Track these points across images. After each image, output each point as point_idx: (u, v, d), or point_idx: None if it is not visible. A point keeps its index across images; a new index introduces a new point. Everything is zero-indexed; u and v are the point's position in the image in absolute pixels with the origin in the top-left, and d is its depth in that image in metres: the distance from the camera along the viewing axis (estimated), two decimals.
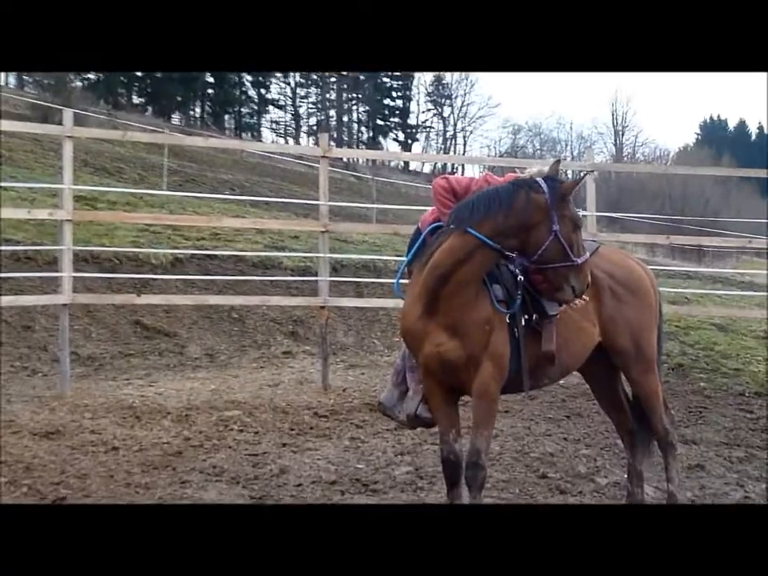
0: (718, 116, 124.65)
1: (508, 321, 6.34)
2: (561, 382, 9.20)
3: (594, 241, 7.48)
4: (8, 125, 12.82)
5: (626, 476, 7.58)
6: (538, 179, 6.13)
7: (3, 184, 17.48)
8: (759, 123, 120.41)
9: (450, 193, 6.56)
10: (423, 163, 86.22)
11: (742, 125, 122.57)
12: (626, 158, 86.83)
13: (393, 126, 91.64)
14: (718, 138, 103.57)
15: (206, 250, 17.21)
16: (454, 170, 64.12)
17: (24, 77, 58.90)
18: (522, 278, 6.38)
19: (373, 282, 16.65)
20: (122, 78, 65.26)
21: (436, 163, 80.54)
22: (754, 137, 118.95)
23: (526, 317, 6.44)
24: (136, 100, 68.75)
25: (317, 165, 13.60)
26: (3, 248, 13.72)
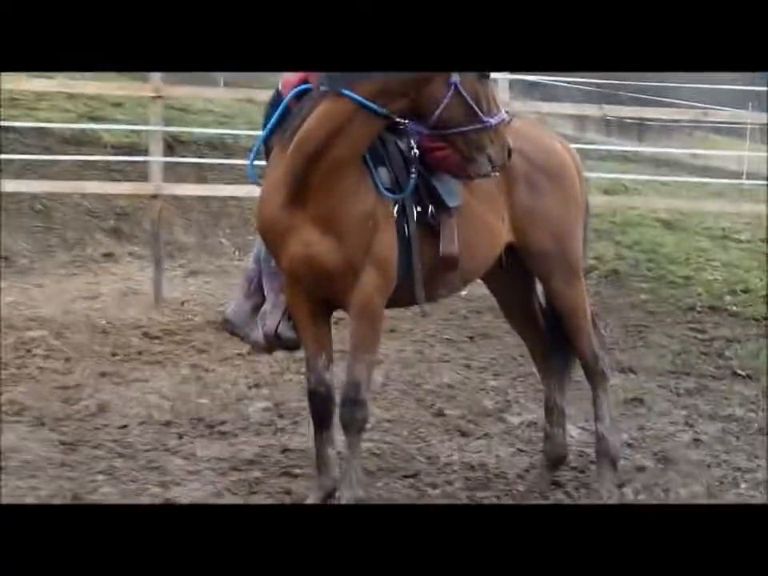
0: None
1: (396, 215, 6.23)
2: (462, 292, 9.23)
3: (505, 112, 7.40)
4: None
5: (543, 413, 7.62)
6: None
7: None
8: None
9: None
10: None
11: None
12: None
13: None
14: None
15: (2, 120, 16.80)
16: None
17: None
18: (416, 154, 6.30)
19: (220, 164, 16.55)
20: None
21: None
22: None
23: (419, 209, 6.33)
24: None
25: None
26: None
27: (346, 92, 5.87)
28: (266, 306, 6.97)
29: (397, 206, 6.25)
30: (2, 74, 11.56)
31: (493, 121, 5.99)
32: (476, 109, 5.94)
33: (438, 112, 5.91)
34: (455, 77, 5.90)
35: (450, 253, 6.39)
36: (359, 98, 5.84)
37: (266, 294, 7.05)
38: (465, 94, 5.91)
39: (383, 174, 6.20)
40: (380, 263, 6.14)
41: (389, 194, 6.15)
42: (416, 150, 6.27)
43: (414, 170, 6.22)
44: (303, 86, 6.37)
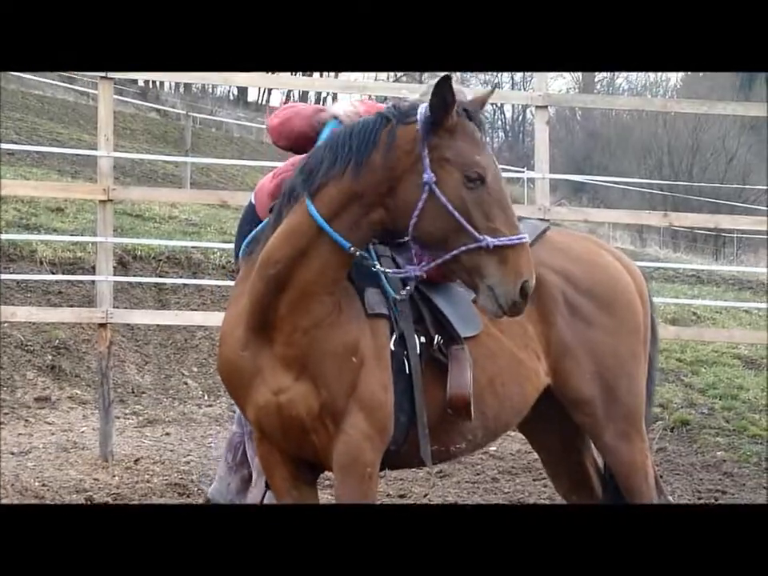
0: None
1: (394, 347, 6.16)
2: (492, 448, 9.23)
3: (542, 220, 7.34)
4: None
5: None
6: (418, 105, 5.85)
7: None
8: None
9: (288, 138, 6.51)
10: (268, 90, 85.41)
11: None
12: (599, 88, 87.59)
13: None
14: None
15: None
16: (319, 101, 63.91)
17: None
18: (416, 274, 6.06)
19: (185, 285, 16.63)
20: None
21: (290, 91, 79.85)
22: None
23: (423, 339, 6.28)
24: None
25: (94, 91, 13.58)
26: None
27: (309, 204, 5.79)
28: (255, 477, 6.98)
29: (395, 336, 6.16)
30: None
31: (490, 240, 5.61)
32: (461, 221, 5.63)
33: (412, 222, 5.69)
34: (428, 174, 5.65)
35: (459, 392, 6.23)
36: (322, 223, 5.75)
37: (250, 462, 7.08)
38: (443, 199, 5.64)
39: (372, 295, 6.16)
40: (369, 407, 6.03)
41: (382, 312, 6.12)
42: (416, 270, 6.02)
43: (409, 287, 6.10)
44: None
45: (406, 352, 6.17)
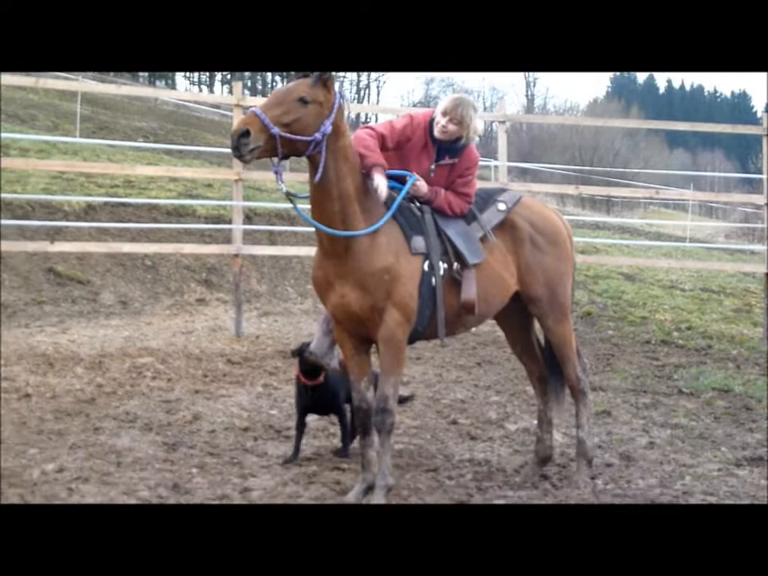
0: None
1: (427, 269, 6.19)
2: (472, 329, 9.18)
3: (515, 192, 7.31)
4: None
5: (535, 422, 7.62)
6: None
7: None
8: (668, 78, 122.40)
9: (375, 138, 6.38)
10: None
11: (650, 78, 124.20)
12: (537, 110, 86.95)
13: (306, 74, 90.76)
14: (628, 91, 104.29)
15: (120, 197, 17.01)
16: (368, 120, 63.69)
17: None
18: (437, 225, 6.35)
19: (286, 230, 16.59)
20: None
21: (349, 112, 79.71)
22: (662, 90, 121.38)
23: (445, 266, 6.30)
24: None
25: (231, 113, 13.47)
26: None
27: None
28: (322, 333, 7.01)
29: (426, 263, 6.19)
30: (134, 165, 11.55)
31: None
32: None
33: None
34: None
35: (469, 300, 6.34)
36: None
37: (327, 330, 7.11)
38: None
39: (418, 241, 6.20)
40: (401, 306, 6.05)
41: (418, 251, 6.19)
42: (438, 226, 6.38)
43: (440, 240, 6.32)
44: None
45: (433, 273, 6.20)
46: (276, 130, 5.52)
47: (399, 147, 6.41)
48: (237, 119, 12.39)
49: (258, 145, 5.53)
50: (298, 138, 5.66)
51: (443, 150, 6.48)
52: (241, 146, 5.49)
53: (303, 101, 5.66)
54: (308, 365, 7.13)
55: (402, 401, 7.96)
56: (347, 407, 7.30)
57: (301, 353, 7.19)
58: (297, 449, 7.22)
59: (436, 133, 6.39)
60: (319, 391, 7.18)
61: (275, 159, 5.74)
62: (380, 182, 6.00)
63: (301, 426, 7.28)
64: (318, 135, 5.74)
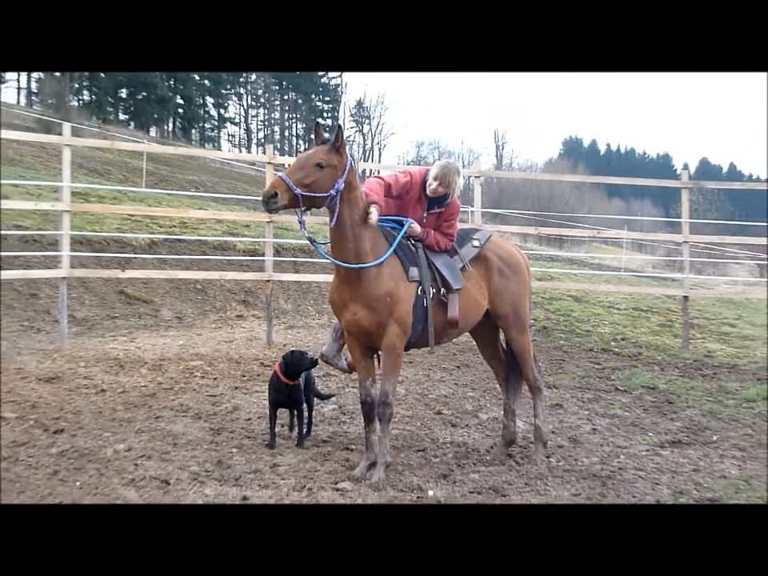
0: (575, 135, 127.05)
1: (419, 293, 6.24)
2: (454, 340, 9.20)
3: (486, 231, 7.34)
4: (20, 135, 12.63)
5: (502, 413, 7.58)
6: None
7: (16, 182, 17.90)
8: (607, 142, 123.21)
9: (382, 186, 6.43)
10: None
11: (593, 143, 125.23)
12: (505, 167, 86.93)
13: (324, 140, 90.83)
14: (576, 153, 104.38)
15: (176, 235, 17.35)
16: (372, 174, 63.69)
17: (32, 97, 59.11)
18: (428, 258, 6.40)
19: (307, 261, 16.56)
20: (109, 99, 65.50)
21: (357, 169, 79.76)
22: (603, 152, 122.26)
23: (434, 291, 6.34)
24: (122, 116, 68.46)
25: (264, 169, 13.49)
26: (15, 232, 14.20)
27: None
28: (346, 346, 7.01)
29: (420, 288, 6.25)
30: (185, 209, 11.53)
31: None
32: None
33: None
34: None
35: (453, 317, 6.42)
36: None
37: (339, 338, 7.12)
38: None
39: (414, 272, 6.26)
40: (400, 322, 6.12)
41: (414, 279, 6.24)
42: (426, 257, 6.43)
43: (429, 270, 6.38)
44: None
45: (425, 296, 6.27)
46: (298, 191, 5.67)
47: (400, 197, 6.53)
48: (269, 174, 12.46)
49: (284, 203, 5.69)
50: (317, 195, 5.77)
51: (433, 202, 6.61)
52: (270, 203, 5.67)
53: (320, 165, 5.77)
54: (294, 366, 7.10)
55: (324, 398, 8.16)
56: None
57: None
58: (273, 434, 7.13)
59: (428, 192, 6.52)
60: (294, 390, 7.16)
61: (299, 210, 5.85)
62: (373, 213, 6.05)
63: (274, 417, 7.19)
64: (332, 192, 5.84)
